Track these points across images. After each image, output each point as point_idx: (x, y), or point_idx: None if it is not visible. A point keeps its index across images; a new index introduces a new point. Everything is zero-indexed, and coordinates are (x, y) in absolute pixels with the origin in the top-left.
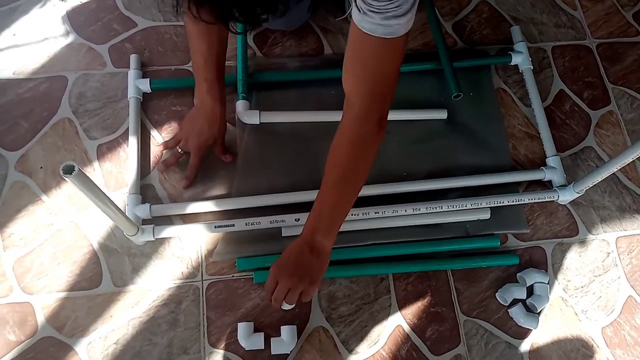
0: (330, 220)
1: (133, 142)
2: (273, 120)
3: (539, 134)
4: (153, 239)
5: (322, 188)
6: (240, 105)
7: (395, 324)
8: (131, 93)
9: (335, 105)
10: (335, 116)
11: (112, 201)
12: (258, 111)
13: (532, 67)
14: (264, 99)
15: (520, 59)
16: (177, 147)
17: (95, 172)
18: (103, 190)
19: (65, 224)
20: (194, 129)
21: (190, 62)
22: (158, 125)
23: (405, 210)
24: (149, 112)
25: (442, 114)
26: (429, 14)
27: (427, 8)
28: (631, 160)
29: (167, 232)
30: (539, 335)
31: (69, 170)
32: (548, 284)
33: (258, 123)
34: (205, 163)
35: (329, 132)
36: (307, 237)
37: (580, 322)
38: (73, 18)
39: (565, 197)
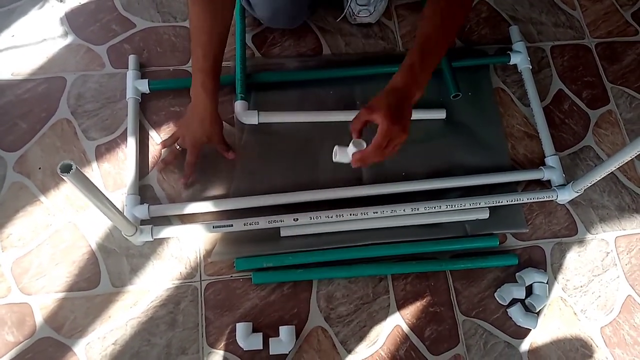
0: (422, 71)
1: (131, 142)
2: (272, 120)
3: (538, 133)
4: (151, 240)
5: (417, 38)
6: (239, 105)
7: (394, 324)
8: (130, 94)
9: (334, 105)
10: (333, 116)
11: (110, 201)
12: (257, 111)
13: (530, 67)
14: (263, 100)
15: (519, 59)
16: (175, 145)
17: (94, 172)
18: (101, 191)
19: (63, 224)
20: (189, 126)
21: (189, 62)
22: (157, 125)
23: (404, 210)
24: (148, 112)
25: (441, 114)
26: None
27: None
28: (629, 159)
29: (166, 232)
30: (538, 335)
31: (66, 169)
32: (547, 283)
33: (257, 123)
34: (204, 163)
35: (327, 132)
36: (403, 86)
37: (580, 321)
38: (72, 19)
39: (564, 196)
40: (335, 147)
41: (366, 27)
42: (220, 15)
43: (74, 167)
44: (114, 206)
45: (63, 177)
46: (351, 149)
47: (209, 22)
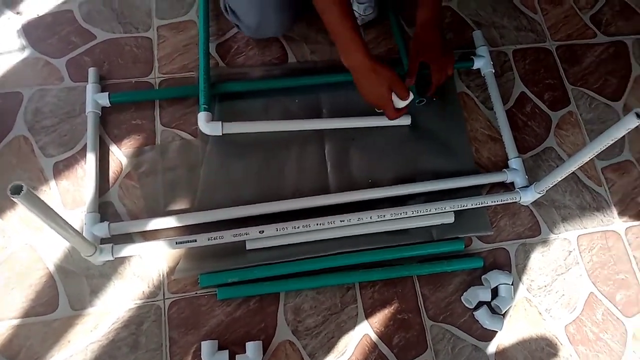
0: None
1: (91, 158)
2: (236, 130)
3: (501, 136)
4: (112, 259)
5: None
6: (202, 116)
7: (363, 333)
8: (89, 108)
9: (300, 113)
10: (299, 125)
11: (65, 221)
12: (220, 122)
13: (493, 71)
14: (227, 110)
15: (482, 63)
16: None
17: (52, 190)
18: (58, 210)
19: (19, 246)
20: (374, 86)
21: (152, 73)
22: (118, 140)
23: (371, 217)
24: (109, 126)
25: (406, 120)
26: (392, 20)
27: (391, 14)
28: (588, 159)
29: (127, 250)
30: (505, 337)
31: (16, 191)
32: (512, 285)
33: (221, 134)
34: (168, 176)
35: (293, 141)
36: (435, 14)
37: (544, 321)
38: (29, 32)
39: (527, 198)
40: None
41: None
42: None
43: (24, 188)
44: (70, 226)
45: (14, 199)
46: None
47: None
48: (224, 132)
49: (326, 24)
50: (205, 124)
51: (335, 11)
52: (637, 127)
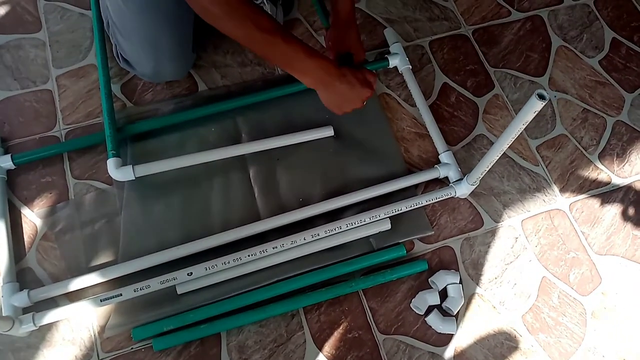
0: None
1: (1, 226)
2: (150, 172)
3: (429, 132)
4: (36, 328)
5: None
6: (112, 163)
7: None
8: None
9: (218, 141)
10: (217, 154)
11: None
12: (131, 166)
13: (410, 67)
14: (141, 151)
15: (398, 60)
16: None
17: None
18: None
19: None
20: (342, 94)
21: (56, 126)
22: (29, 201)
23: (304, 238)
24: (17, 189)
25: (329, 131)
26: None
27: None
28: (507, 146)
29: (49, 317)
30: (461, 338)
31: None
32: (460, 283)
33: (134, 178)
34: (87, 231)
35: (215, 171)
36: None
37: (500, 314)
38: None
39: (462, 191)
40: None
41: (240, 56)
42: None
43: None
44: None
45: None
46: None
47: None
48: (136, 176)
49: (275, 58)
50: (116, 170)
51: (280, 42)
52: (564, 100)
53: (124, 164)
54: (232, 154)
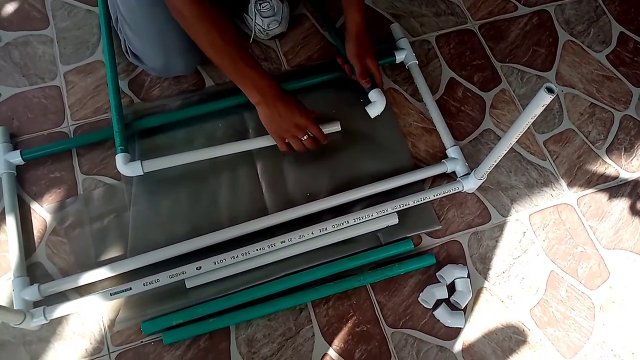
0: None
1: (11, 221)
2: (158, 167)
3: (435, 127)
4: (46, 321)
5: None
6: (120, 158)
7: (322, 353)
8: (2, 169)
9: (226, 137)
10: (225, 149)
11: None
12: (139, 161)
13: (417, 62)
14: (149, 147)
15: (404, 55)
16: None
17: None
18: None
19: None
20: (281, 117)
21: (65, 122)
22: (38, 196)
23: (312, 233)
24: (27, 184)
25: (336, 126)
26: (326, 24)
27: (323, 18)
28: (515, 140)
29: (60, 310)
30: (469, 332)
31: None
32: (468, 277)
33: (142, 174)
34: (96, 226)
35: (223, 167)
36: (363, 23)
37: (508, 308)
38: None
39: (469, 185)
40: (368, 110)
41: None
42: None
43: None
44: None
45: None
46: (375, 95)
47: (213, 21)
48: (145, 171)
49: (230, 71)
50: (124, 166)
51: (238, 58)
52: (571, 95)
53: (132, 159)
54: (240, 149)
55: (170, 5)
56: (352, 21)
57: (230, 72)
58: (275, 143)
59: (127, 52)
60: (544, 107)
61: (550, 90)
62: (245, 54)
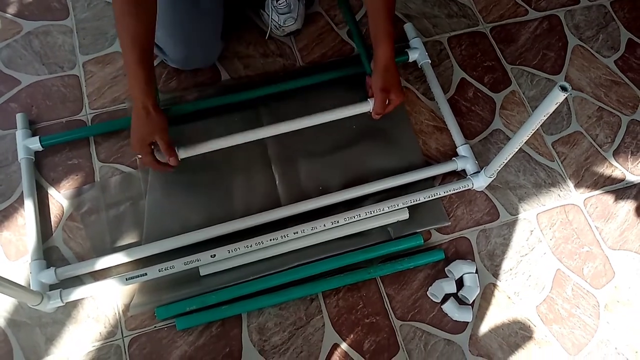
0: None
1: (29, 206)
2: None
3: (447, 125)
4: (62, 304)
5: (379, 9)
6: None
7: (332, 343)
8: (21, 154)
9: (240, 131)
10: (241, 137)
11: (1, 277)
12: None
13: (430, 61)
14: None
15: (417, 55)
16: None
17: None
18: (2, 263)
19: None
20: (133, 127)
21: (83, 110)
22: (55, 182)
23: (324, 225)
24: (44, 170)
25: (367, 107)
26: (348, 19)
27: (345, 13)
28: (527, 138)
29: (76, 293)
30: (477, 326)
31: None
32: (476, 272)
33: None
34: (112, 213)
35: (237, 158)
36: (391, 55)
37: (514, 304)
38: None
39: (479, 183)
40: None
41: (262, 47)
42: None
43: None
44: (8, 281)
45: None
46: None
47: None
48: (162, 161)
49: (128, 70)
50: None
51: (135, 61)
52: (579, 98)
53: None
54: (261, 135)
55: None
56: (380, 52)
57: (128, 72)
58: (303, 127)
59: None
60: (557, 104)
61: (564, 89)
62: (146, 61)
